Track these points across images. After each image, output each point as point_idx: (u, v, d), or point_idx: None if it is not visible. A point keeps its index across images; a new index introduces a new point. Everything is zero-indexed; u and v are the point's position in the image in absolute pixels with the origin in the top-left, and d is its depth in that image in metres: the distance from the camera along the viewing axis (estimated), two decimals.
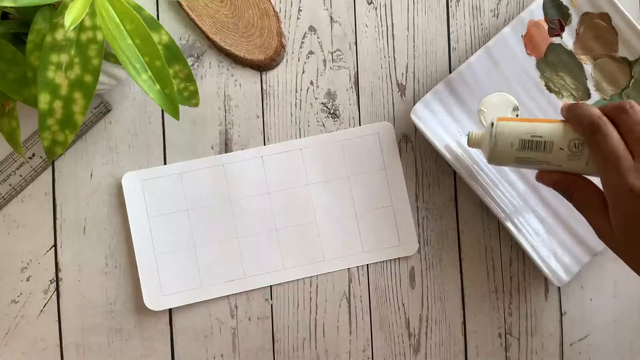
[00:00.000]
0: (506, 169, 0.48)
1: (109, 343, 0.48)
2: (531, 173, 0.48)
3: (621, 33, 0.48)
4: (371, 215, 0.49)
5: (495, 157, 0.41)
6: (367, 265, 0.49)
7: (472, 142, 0.44)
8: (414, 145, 0.49)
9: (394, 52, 0.50)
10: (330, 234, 0.48)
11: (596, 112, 0.37)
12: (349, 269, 0.49)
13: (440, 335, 0.49)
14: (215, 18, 0.48)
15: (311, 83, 0.49)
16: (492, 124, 0.41)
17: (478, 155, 0.48)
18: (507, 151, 0.41)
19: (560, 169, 0.40)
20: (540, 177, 0.41)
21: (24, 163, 0.48)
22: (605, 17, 0.48)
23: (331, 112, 0.49)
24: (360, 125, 0.49)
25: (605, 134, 0.36)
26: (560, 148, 0.39)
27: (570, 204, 0.40)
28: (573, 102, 0.46)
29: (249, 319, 0.48)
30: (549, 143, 0.39)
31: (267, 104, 0.49)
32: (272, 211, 0.48)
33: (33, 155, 0.48)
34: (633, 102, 0.36)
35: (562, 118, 0.40)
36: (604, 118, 0.37)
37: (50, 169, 0.48)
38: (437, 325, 0.49)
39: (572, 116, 0.38)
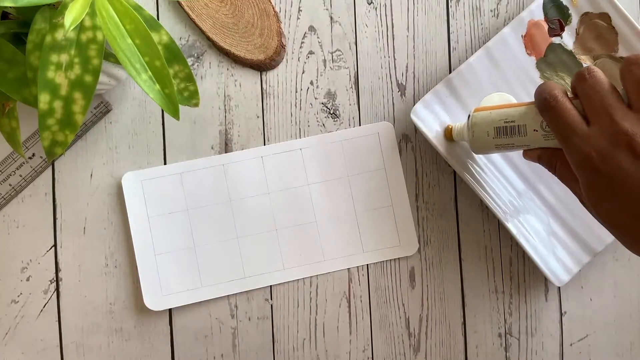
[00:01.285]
0: (505, 164, 0.48)
1: (109, 343, 0.48)
2: (531, 174, 0.48)
3: (621, 33, 0.48)
4: (371, 215, 0.49)
5: (477, 148, 0.42)
6: (367, 265, 0.49)
7: (454, 135, 0.45)
8: (414, 145, 0.49)
9: (394, 52, 0.50)
10: (330, 234, 0.48)
11: (549, 88, 0.37)
12: (349, 269, 0.49)
13: (440, 335, 0.49)
14: (215, 18, 0.48)
15: (311, 83, 0.49)
16: (469, 116, 0.42)
17: (478, 155, 0.48)
18: (485, 140, 0.41)
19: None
20: (525, 156, 0.41)
21: (24, 163, 0.48)
22: (605, 17, 0.48)
23: (331, 112, 0.49)
24: (360, 125, 0.49)
25: (555, 109, 0.36)
26: (534, 130, 0.38)
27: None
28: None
29: (249, 319, 0.48)
30: (522, 126, 0.39)
31: (267, 104, 0.49)
32: (272, 211, 0.48)
33: (33, 155, 0.48)
34: (593, 68, 0.36)
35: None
36: (555, 92, 0.36)
37: (50, 169, 0.48)
38: (437, 325, 0.49)
39: (534, 97, 0.38)
